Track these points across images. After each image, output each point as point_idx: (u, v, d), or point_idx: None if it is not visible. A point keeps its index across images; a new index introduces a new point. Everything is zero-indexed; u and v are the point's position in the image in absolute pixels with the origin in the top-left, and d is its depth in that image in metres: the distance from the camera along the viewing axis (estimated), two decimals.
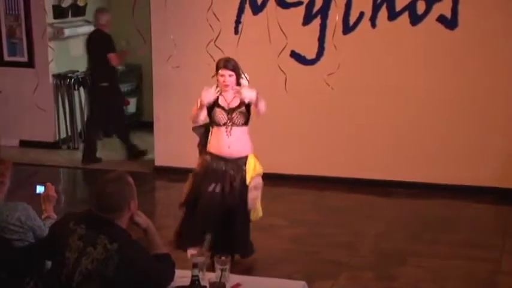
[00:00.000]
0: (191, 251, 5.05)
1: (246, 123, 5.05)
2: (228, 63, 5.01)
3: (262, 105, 5.01)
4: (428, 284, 5.02)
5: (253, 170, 5.07)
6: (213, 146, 5.07)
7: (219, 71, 5.02)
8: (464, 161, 6.88)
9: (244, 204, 5.06)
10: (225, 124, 5.01)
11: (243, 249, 5.16)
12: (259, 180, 5.10)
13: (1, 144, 8.22)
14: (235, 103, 5.03)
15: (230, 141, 5.01)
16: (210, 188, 5.02)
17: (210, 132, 5.11)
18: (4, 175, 3.44)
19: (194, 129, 5.22)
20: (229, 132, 5.01)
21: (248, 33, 7.01)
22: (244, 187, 5.04)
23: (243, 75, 5.08)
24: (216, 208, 5.04)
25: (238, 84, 5.05)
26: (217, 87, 5.05)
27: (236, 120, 5.00)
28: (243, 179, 5.04)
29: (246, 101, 4.97)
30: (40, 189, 3.74)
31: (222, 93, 5.05)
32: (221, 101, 5.04)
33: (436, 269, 5.25)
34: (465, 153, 6.88)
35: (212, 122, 5.07)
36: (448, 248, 5.64)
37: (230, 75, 4.99)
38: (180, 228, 5.21)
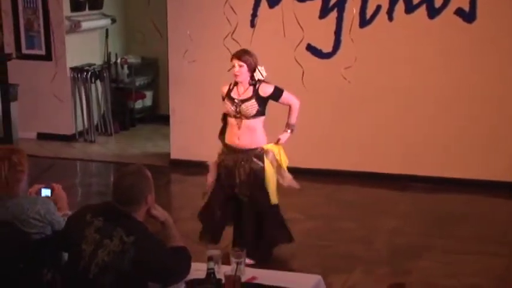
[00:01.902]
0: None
1: (257, 115, 5.03)
2: (241, 55, 5.01)
3: (294, 106, 5.17)
4: (443, 279, 5.00)
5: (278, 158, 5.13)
6: (227, 137, 5.13)
7: (232, 61, 5.05)
8: (480, 155, 6.84)
9: (260, 191, 5.08)
10: (235, 116, 5.03)
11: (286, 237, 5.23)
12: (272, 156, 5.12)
13: (19, 136, 8.28)
14: (246, 95, 5.03)
15: (240, 133, 5.03)
16: (223, 187, 5.12)
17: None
18: (22, 164, 3.46)
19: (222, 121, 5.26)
20: (240, 124, 5.02)
21: (264, 26, 7.01)
22: (258, 175, 5.05)
23: (257, 69, 5.05)
24: (230, 206, 5.14)
25: (252, 76, 5.04)
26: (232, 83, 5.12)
27: (245, 112, 5.00)
28: (254, 169, 5.04)
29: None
30: (46, 192, 3.63)
31: (238, 84, 5.06)
32: (233, 93, 5.06)
33: (451, 263, 5.23)
34: (480, 148, 6.84)
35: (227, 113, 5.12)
36: (463, 242, 5.61)
37: (240, 66, 4.98)
38: (198, 217, 5.29)
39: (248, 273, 3.42)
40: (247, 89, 5.04)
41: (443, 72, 6.86)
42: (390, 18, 6.88)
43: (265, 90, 5.03)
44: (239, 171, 5.05)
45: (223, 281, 3.25)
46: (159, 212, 3.31)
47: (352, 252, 5.42)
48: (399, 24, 6.86)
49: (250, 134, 5.04)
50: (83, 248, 3.12)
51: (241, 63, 4.99)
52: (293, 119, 5.18)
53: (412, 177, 6.96)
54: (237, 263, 3.35)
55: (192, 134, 7.53)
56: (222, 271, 3.33)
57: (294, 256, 5.29)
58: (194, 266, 3.34)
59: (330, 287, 4.58)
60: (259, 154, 5.07)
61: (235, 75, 5.02)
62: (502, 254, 5.40)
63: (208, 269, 3.26)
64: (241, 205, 5.12)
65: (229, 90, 5.08)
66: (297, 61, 6.12)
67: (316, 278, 3.53)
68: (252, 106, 5.00)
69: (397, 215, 6.24)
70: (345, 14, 6.92)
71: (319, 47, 7.06)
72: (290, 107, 5.17)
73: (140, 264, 3.08)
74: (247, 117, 5.00)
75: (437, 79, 6.89)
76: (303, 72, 6.19)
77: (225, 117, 5.19)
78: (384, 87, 7.01)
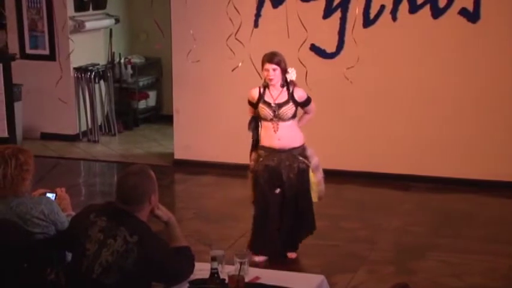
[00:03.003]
0: (259, 258, 5.11)
1: (293, 117, 5.07)
2: (272, 58, 5.01)
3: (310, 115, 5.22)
4: (448, 279, 4.99)
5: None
6: (264, 139, 5.11)
7: (264, 66, 5.03)
8: (484, 156, 6.83)
9: (305, 191, 5.12)
10: (271, 120, 5.03)
11: (311, 227, 5.26)
12: (317, 160, 5.17)
13: (23, 136, 8.29)
14: (282, 98, 5.04)
15: (279, 135, 5.04)
16: (277, 190, 5.08)
17: (260, 126, 5.12)
18: (28, 163, 3.48)
19: (248, 128, 5.22)
20: (276, 127, 5.03)
21: (268, 26, 7.00)
22: (304, 175, 5.08)
23: (288, 70, 5.07)
24: (281, 209, 5.11)
25: (284, 78, 5.05)
26: (264, 84, 5.11)
27: (283, 116, 5.02)
28: (301, 169, 5.07)
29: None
30: (51, 197, 3.68)
31: (269, 88, 5.06)
32: (267, 97, 5.05)
33: (456, 263, 5.22)
34: (485, 148, 6.82)
35: (260, 117, 5.10)
36: (468, 242, 5.60)
37: (274, 69, 4.99)
38: (253, 229, 5.21)
39: (251, 273, 3.42)
40: (280, 92, 5.05)
41: (447, 72, 6.85)
42: (394, 18, 6.87)
43: (300, 94, 5.09)
44: (285, 170, 5.05)
45: (226, 281, 3.25)
46: (162, 211, 3.31)
47: (357, 252, 5.41)
48: (403, 24, 6.85)
49: (290, 133, 5.07)
50: (86, 248, 3.13)
51: (275, 67, 5.00)
52: (302, 124, 5.23)
53: (417, 177, 6.94)
54: (241, 263, 3.35)
55: (195, 134, 7.53)
56: (226, 271, 3.33)
57: (297, 256, 5.29)
58: (197, 265, 3.34)
59: (334, 287, 4.59)
60: (303, 152, 5.10)
61: (270, 79, 5.02)
62: (507, 253, 5.39)
63: (211, 268, 3.26)
64: (283, 204, 5.11)
65: (261, 95, 5.06)
66: (300, 61, 6.11)
67: (319, 278, 3.53)
68: (290, 109, 5.04)
69: (401, 214, 6.24)
70: (349, 14, 6.92)
71: (322, 47, 7.05)
72: (307, 114, 5.21)
73: (144, 264, 3.08)
74: (285, 120, 5.03)
75: (441, 79, 6.87)
76: (307, 72, 6.18)
77: (255, 120, 5.14)
78: (387, 87, 7.00)
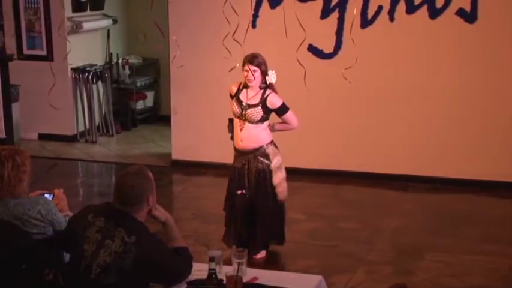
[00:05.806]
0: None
1: (261, 121, 5.06)
2: (253, 59, 5.04)
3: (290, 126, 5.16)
4: (447, 279, 4.99)
5: None
6: (234, 140, 5.16)
7: (244, 67, 5.04)
8: (484, 155, 6.83)
9: (264, 191, 5.08)
10: (239, 117, 5.05)
11: (275, 233, 5.23)
12: (278, 160, 5.12)
13: (20, 137, 8.28)
14: (254, 100, 5.05)
15: (242, 135, 5.07)
16: (238, 191, 5.13)
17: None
18: (25, 164, 3.48)
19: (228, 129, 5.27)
20: (242, 126, 5.06)
21: (266, 27, 7.00)
22: (262, 175, 5.07)
23: (269, 73, 5.08)
24: (246, 210, 5.14)
25: (264, 80, 5.05)
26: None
27: (249, 117, 5.03)
28: (259, 169, 5.06)
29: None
30: (49, 197, 3.69)
31: (247, 87, 5.08)
32: (242, 95, 5.08)
33: (455, 264, 5.22)
34: (485, 147, 6.82)
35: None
36: (467, 243, 5.60)
37: (254, 71, 5.01)
38: (225, 225, 5.30)
39: (249, 274, 3.42)
40: (256, 93, 5.07)
41: (445, 72, 6.85)
42: (391, 19, 6.87)
43: (273, 102, 5.06)
44: (247, 172, 5.09)
45: (224, 282, 3.24)
46: (160, 212, 3.30)
47: (355, 253, 5.41)
48: (400, 24, 6.85)
49: (252, 135, 5.07)
50: (84, 249, 3.12)
51: (255, 68, 5.03)
52: (279, 128, 5.22)
53: (415, 177, 6.94)
54: (239, 264, 3.34)
55: (193, 135, 7.53)
56: (224, 271, 3.33)
57: (296, 256, 5.29)
58: (196, 266, 3.33)
59: (332, 287, 4.58)
60: (264, 152, 5.08)
61: (249, 81, 5.04)
62: (506, 254, 5.39)
63: (209, 269, 3.25)
64: (248, 206, 5.14)
65: (238, 91, 5.10)
66: (298, 62, 6.10)
67: (317, 279, 3.52)
68: (258, 113, 5.03)
69: (400, 215, 6.23)
70: (346, 15, 6.91)
71: (320, 48, 7.05)
72: (286, 124, 5.18)
73: (142, 264, 3.07)
74: (251, 122, 5.02)
75: (439, 79, 6.87)
76: (305, 73, 6.18)
77: (232, 122, 5.19)
78: (385, 87, 7.00)
